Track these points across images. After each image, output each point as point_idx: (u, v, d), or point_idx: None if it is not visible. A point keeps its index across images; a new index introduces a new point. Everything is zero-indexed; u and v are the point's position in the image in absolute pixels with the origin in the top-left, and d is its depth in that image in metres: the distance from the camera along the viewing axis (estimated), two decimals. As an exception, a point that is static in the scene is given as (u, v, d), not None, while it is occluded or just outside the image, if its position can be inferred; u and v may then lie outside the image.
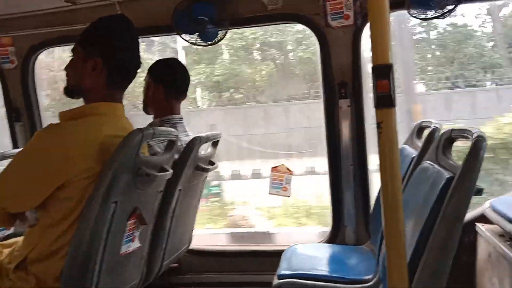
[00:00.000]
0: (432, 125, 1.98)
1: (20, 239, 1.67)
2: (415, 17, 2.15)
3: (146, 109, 2.24)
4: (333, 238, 2.47)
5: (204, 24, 2.15)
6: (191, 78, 2.22)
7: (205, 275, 2.61)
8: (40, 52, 2.64)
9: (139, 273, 1.78)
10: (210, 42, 2.22)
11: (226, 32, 2.22)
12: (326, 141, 2.43)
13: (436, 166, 1.50)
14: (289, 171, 2.50)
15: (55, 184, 1.40)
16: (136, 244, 1.62)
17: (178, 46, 8.29)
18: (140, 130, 1.44)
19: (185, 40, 2.22)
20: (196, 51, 9.64)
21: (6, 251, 1.64)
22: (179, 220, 2.00)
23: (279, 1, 2.26)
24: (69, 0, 2.01)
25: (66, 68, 1.60)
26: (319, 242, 2.52)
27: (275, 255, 2.27)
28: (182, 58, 8.18)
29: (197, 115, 10.38)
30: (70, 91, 1.61)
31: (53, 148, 1.39)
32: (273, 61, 10.89)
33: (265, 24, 2.46)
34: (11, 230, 2.42)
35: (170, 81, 2.16)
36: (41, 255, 1.47)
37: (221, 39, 2.24)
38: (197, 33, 2.21)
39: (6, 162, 2.26)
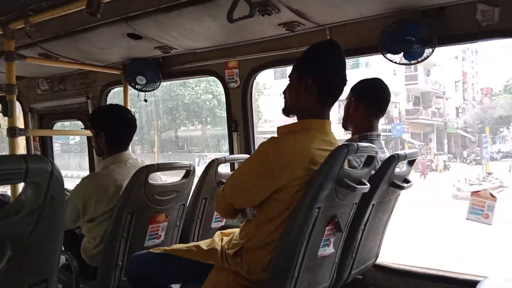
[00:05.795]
0: None
1: (236, 230, 1.99)
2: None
3: (345, 125, 2.34)
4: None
5: (410, 43, 2.17)
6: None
7: (388, 292, 2.57)
8: (258, 74, 3.02)
9: (330, 277, 1.89)
10: (415, 61, 2.22)
11: (433, 50, 2.18)
12: None
13: None
14: (492, 197, 2.29)
15: (273, 188, 1.63)
16: (331, 249, 1.75)
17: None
18: (346, 145, 1.57)
19: (389, 60, 2.27)
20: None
21: (226, 238, 1.96)
22: (369, 233, 2.06)
23: (495, 17, 2.10)
24: (289, 28, 2.30)
25: (284, 92, 1.85)
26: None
27: (467, 285, 2.10)
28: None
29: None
30: (287, 111, 1.84)
31: (273, 157, 1.61)
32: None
33: (476, 40, 2.31)
34: (223, 222, 2.87)
35: (372, 100, 2.23)
36: (255, 246, 1.71)
37: (427, 57, 2.21)
38: (402, 53, 2.23)
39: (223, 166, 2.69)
